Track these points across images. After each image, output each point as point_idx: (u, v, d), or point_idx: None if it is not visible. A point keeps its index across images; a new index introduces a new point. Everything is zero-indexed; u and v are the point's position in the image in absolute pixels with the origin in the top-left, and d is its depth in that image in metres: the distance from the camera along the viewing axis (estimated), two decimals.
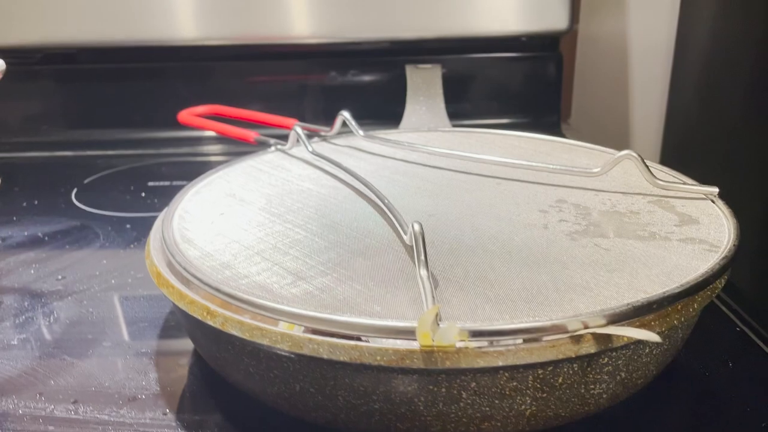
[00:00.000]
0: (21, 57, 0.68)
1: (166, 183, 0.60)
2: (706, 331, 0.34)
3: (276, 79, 0.72)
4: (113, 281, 0.42)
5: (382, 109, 0.69)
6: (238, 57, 0.71)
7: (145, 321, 0.38)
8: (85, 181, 0.61)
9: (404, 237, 0.30)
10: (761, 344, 0.34)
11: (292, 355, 0.25)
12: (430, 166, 0.42)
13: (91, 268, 0.44)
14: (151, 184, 0.60)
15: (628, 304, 0.25)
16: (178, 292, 0.28)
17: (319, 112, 0.72)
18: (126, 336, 0.36)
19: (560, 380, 0.25)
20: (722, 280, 0.28)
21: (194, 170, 0.42)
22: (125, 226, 0.51)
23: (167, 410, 0.30)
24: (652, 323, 0.25)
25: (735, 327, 0.36)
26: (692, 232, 0.31)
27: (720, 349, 0.34)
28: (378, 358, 0.24)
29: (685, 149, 0.69)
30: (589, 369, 0.25)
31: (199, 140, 0.70)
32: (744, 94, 0.57)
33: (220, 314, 0.26)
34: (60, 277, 0.43)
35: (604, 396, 0.27)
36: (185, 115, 0.54)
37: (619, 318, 0.24)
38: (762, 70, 0.53)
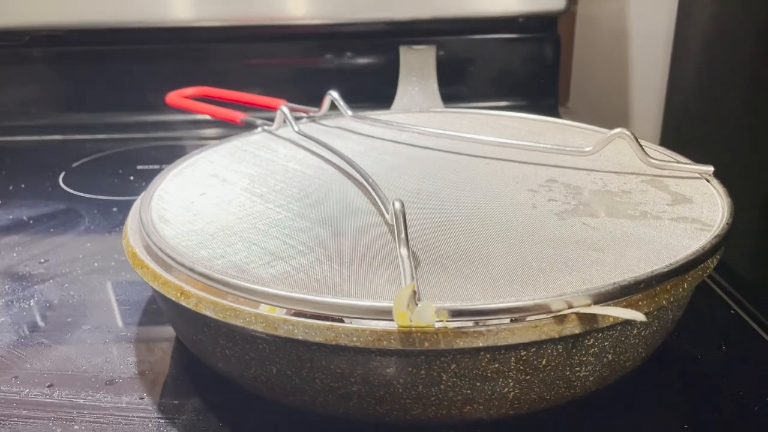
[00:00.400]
0: (8, 39, 0.67)
1: (156, 166, 0.59)
2: (700, 313, 0.34)
3: (269, 61, 0.71)
4: (96, 264, 0.41)
5: (377, 91, 0.67)
6: (230, 39, 0.70)
7: (128, 304, 0.37)
8: (74, 165, 0.60)
9: (386, 216, 0.29)
10: (755, 326, 0.33)
11: (268, 337, 0.24)
12: (419, 146, 0.41)
13: (74, 252, 0.43)
14: (140, 167, 0.59)
15: (614, 283, 0.24)
16: (152, 272, 0.27)
17: (312, 95, 0.70)
18: (107, 319, 0.35)
19: (544, 362, 0.24)
20: (714, 260, 0.27)
21: (184, 153, 0.41)
22: (112, 209, 0.50)
23: (144, 394, 0.29)
24: (640, 303, 0.24)
25: (729, 309, 0.35)
26: (685, 211, 0.30)
27: (713, 331, 0.33)
28: (354, 339, 0.23)
29: (685, 131, 0.68)
30: (574, 350, 0.24)
31: (190, 123, 0.69)
32: (745, 75, 0.55)
33: (193, 295, 0.25)
34: (42, 260, 0.42)
35: (591, 379, 0.26)
36: (173, 96, 0.53)
37: (605, 298, 0.23)
38: (762, 52, 0.52)
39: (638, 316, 0.22)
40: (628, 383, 0.28)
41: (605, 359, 0.25)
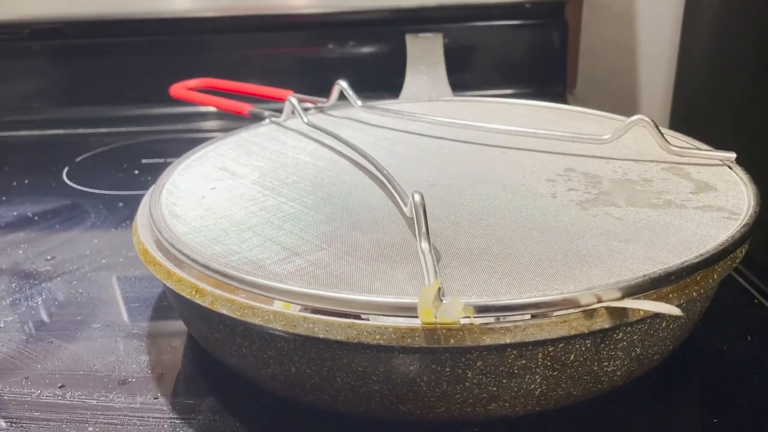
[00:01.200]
0: (8, 33, 0.66)
1: (161, 160, 0.58)
2: (722, 303, 0.33)
3: (273, 51, 0.70)
4: (104, 261, 0.41)
5: (383, 81, 0.66)
6: (234, 29, 0.69)
7: (137, 301, 0.36)
8: (77, 160, 0.59)
9: (404, 209, 0.28)
10: None
11: (286, 335, 0.24)
12: (431, 136, 0.40)
13: (81, 248, 0.42)
14: (144, 161, 0.58)
15: (644, 275, 0.23)
16: (165, 269, 0.27)
17: (318, 85, 0.69)
18: (117, 317, 0.35)
19: (572, 357, 0.23)
20: (743, 249, 0.27)
21: (189, 147, 0.41)
22: (117, 204, 0.49)
23: (158, 394, 0.29)
24: (670, 295, 0.24)
25: (753, 299, 0.34)
26: (709, 200, 0.29)
27: (737, 322, 0.33)
28: (377, 337, 0.22)
29: (695, 116, 0.67)
30: (602, 345, 0.24)
31: (195, 116, 0.68)
32: (755, 55, 0.54)
33: (209, 292, 0.25)
34: (49, 257, 0.41)
35: (618, 373, 0.25)
36: (178, 88, 0.52)
37: (635, 290, 0.23)
38: None
39: (674, 310, 0.21)
40: (654, 377, 0.28)
41: (633, 353, 0.25)
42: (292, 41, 0.69)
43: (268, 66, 0.70)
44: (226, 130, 0.66)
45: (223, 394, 0.29)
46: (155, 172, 0.55)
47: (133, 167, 0.57)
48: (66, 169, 0.57)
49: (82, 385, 0.29)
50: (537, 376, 0.23)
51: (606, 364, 0.24)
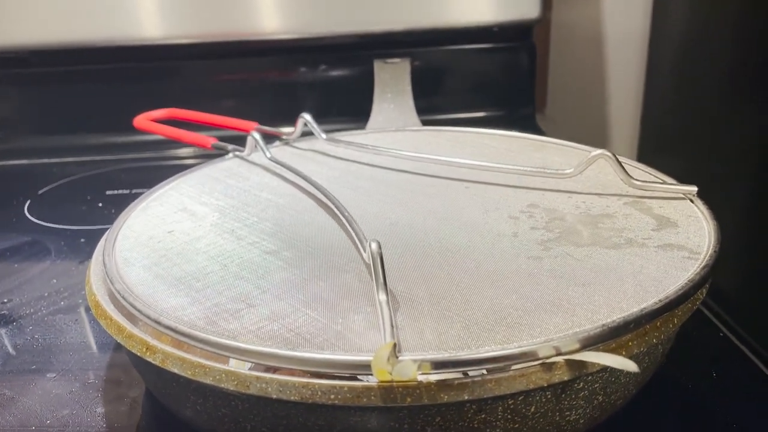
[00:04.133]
0: None
1: (125, 191, 0.57)
2: (687, 337, 0.33)
3: (241, 77, 0.70)
4: (62, 303, 0.39)
5: (352, 105, 0.66)
6: (201, 56, 0.68)
7: (95, 347, 0.35)
8: (40, 192, 0.58)
9: (363, 254, 0.28)
10: (746, 350, 0.33)
11: (240, 395, 0.23)
12: (396, 169, 0.40)
13: (39, 289, 0.41)
14: (109, 192, 0.57)
15: (603, 325, 0.23)
16: (116, 324, 0.26)
17: (285, 111, 0.68)
18: (73, 365, 0.34)
19: (533, 409, 0.23)
20: (703, 291, 0.27)
21: (156, 176, 0.40)
22: (79, 240, 0.48)
23: None
24: (630, 343, 0.23)
25: (718, 332, 0.34)
26: (670, 237, 0.29)
27: (703, 357, 0.33)
28: (332, 396, 0.21)
29: (663, 136, 0.68)
30: (563, 396, 0.23)
31: (162, 144, 0.67)
32: (721, 79, 0.55)
33: (160, 350, 0.24)
34: (5, 300, 0.40)
35: (581, 421, 0.25)
36: (141, 120, 0.51)
37: (594, 341, 0.22)
38: (738, 56, 0.52)
39: (630, 365, 0.21)
40: (618, 418, 0.27)
41: (596, 401, 0.24)
42: (261, 67, 0.69)
43: (236, 91, 0.69)
44: (195, 157, 0.66)
45: None
46: (120, 204, 0.54)
47: (97, 199, 0.56)
48: (28, 203, 0.55)
49: None
50: (498, 430, 0.23)
51: (568, 413, 0.24)
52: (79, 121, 0.68)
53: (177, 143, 0.67)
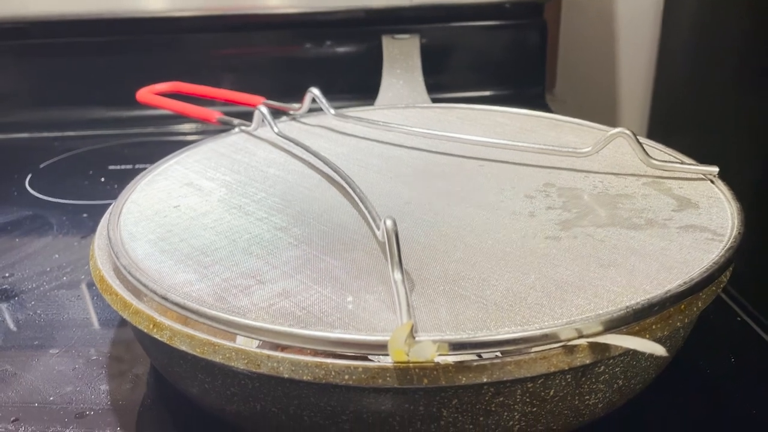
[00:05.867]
0: None
1: (128, 166, 0.56)
2: (706, 321, 0.32)
3: (246, 52, 0.68)
4: (65, 278, 0.39)
5: (360, 82, 0.65)
6: (206, 29, 0.67)
7: (99, 323, 0.35)
8: (41, 166, 0.57)
9: (377, 232, 0.27)
10: (763, 335, 0.32)
11: (250, 373, 0.22)
12: (406, 146, 0.39)
13: (41, 264, 0.40)
14: (111, 167, 0.56)
15: (627, 307, 0.22)
16: (122, 300, 0.25)
17: (292, 87, 0.67)
18: (76, 341, 0.33)
19: (552, 393, 0.22)
20: (728, 273, 0.26)
21: (159, 151, 0.39)
22: (82, 215, 0.47)
23: (118, 428, 0.27)
24: (653, 327, 0.22)
25: (736, 317, 0.34)
26: (692, 218, 0.28)
27: (721, 342, 0.32)
28: (346, 377, 0.21)
29: (675, 115, 0.67)
30: (583, 380, 0.22)
31: (165, 119, 0.66)
32: (736, 58, 0.54)
33: (167, 327, 0.23)
34: (7, 274, 0.39)
35: (600, 405, 0.24)
36: (144, 93, 0.50)
37: (617, 323, 0.22)
38: (755, 33, 0.50)
39: (658, 349, 0.20)
40: (636, 404, 0.27)
41: (615, 385, 0.24)
42: (268, 42, 0.67)
43: (242, 66, 0.68)
44: (196, 133, 0.65)
45: (187, 429, 0.27)
46: (122, 178, 0.53)
47: (99, 174, 0.55)
48: (29, 177, 0.55)
49: (36, 419, 0.28)
50: (515, 413, 0.22)
51: (587, 397, 0.23)
52: (81, 95, 0.67)
53: (181, 118, 0.66)
